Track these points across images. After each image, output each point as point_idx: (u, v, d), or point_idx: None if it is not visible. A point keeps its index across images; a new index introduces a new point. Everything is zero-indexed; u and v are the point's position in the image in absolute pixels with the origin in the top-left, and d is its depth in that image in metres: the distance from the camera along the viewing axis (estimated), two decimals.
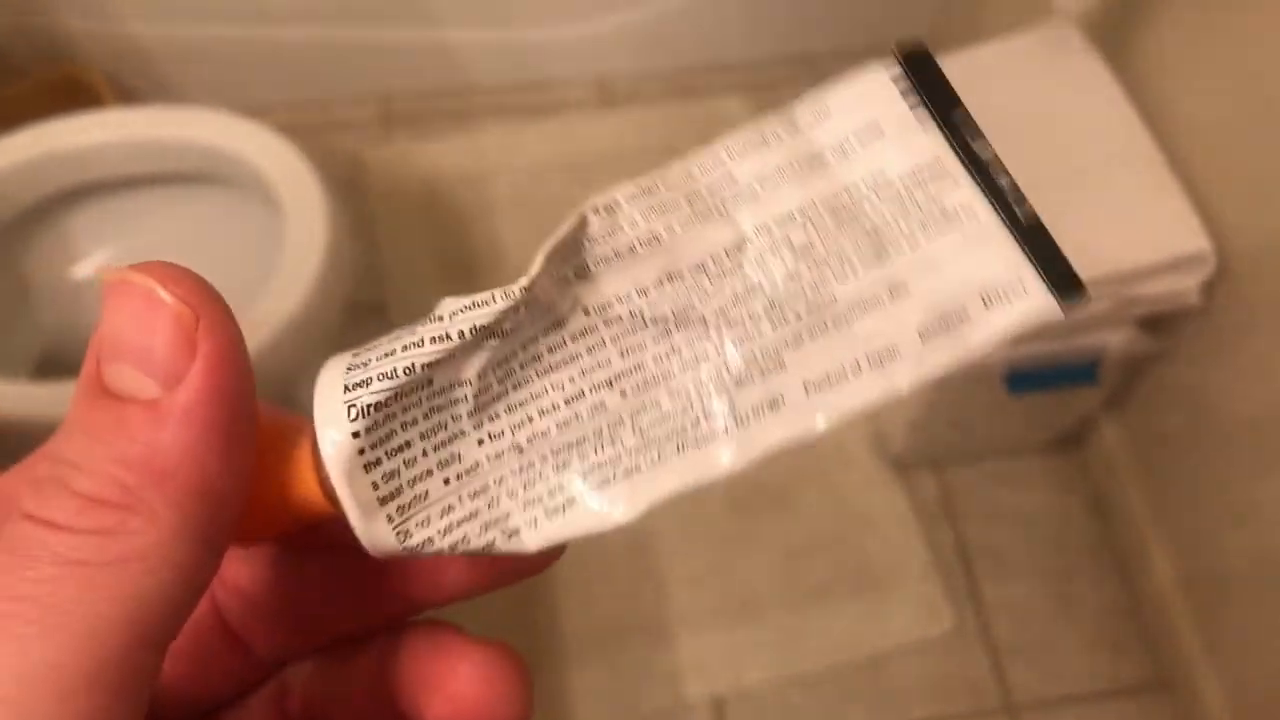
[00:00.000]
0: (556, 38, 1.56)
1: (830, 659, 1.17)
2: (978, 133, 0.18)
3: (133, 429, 0.14)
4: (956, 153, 0.18)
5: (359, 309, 1.13)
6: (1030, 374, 1.06)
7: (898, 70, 0.18)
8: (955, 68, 0.86)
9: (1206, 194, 0.98)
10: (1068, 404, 1.18)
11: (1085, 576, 1.23)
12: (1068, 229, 0.88)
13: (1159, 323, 1.05)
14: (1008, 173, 0.18)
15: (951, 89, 0.18)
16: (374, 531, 0.16)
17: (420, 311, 0.16)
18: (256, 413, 0.16)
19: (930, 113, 0.18)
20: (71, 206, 1.08)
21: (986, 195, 0.18)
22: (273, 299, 0.93)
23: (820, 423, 0.16)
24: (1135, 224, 0.96)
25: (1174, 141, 1.01)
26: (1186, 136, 1.00)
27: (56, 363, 1.07)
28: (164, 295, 0.15)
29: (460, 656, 0.18)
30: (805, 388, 0.16)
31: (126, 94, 1.46)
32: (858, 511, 1.25)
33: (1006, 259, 0.17)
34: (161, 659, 0.14)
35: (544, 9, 1.53)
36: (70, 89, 1.34)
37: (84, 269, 1.12)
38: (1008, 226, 0.17)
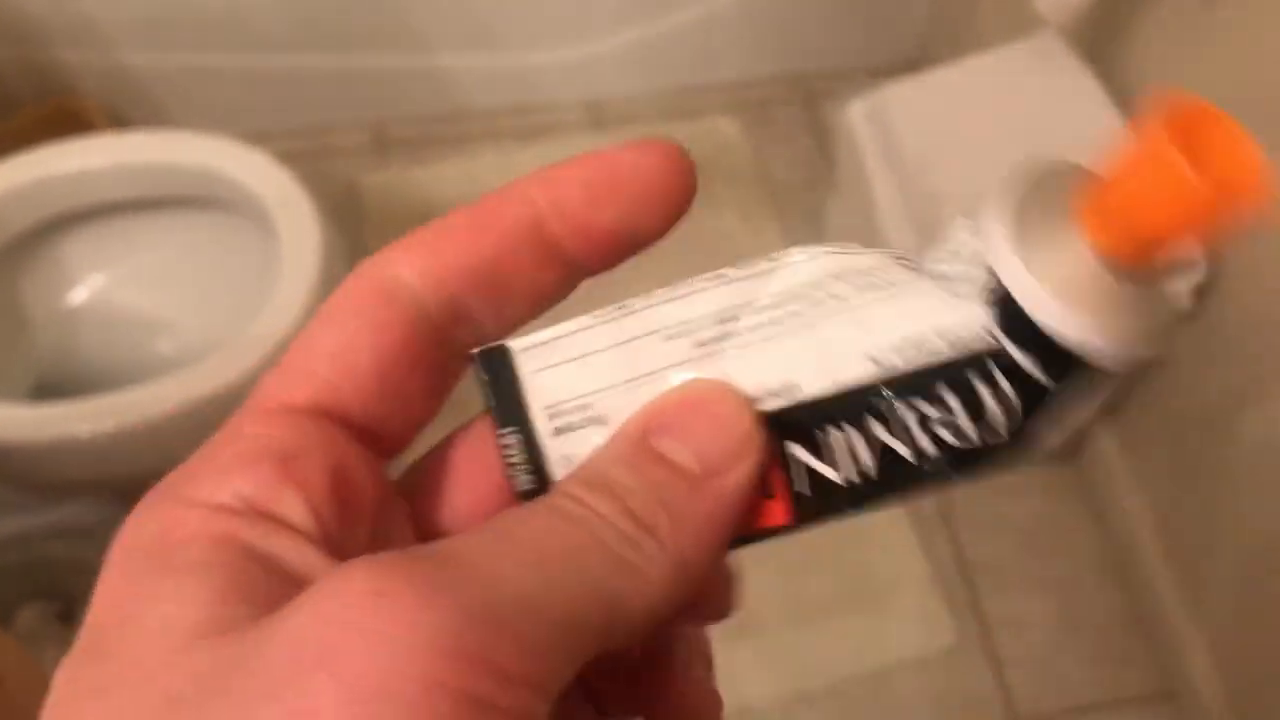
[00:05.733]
0: (548, 61, 1.57)
1: (832, 675, 1.17)
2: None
3: (674, 489, 0.18)
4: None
5: None
6: None
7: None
8: (945, 81, 0.87)
9: None
10: None
11: (1086, 587, 1.22)
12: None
13: None
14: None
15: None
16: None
17: None
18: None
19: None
20: (67, 232, 1.08)
21: None
22: (267, 322, 0.93)
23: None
24: None
25: None
26: None
27: (52, 387, 1.07)
28: (745, 412, 0.19)
29: None
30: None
31: (122, 124, 1.47)
32: (856, 526, 1.25)
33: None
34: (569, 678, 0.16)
35: (536, 33, 1.54)
36: (66, 119, 1.34)
37: (79, 294, 1.12)
38: None
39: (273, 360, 0.78)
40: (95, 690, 0.16)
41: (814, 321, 0.19)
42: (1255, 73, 0.92)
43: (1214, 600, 1.08)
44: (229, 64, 1.50)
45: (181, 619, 0.16)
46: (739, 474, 0.18)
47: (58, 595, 1.04)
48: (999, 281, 0.18)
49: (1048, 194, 0.18)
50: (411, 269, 0.19)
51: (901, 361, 0.18)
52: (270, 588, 0.16)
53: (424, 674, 0.14)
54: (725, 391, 0.19)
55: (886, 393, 0.18)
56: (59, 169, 1.04)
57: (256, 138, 1.06)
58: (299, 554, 0.17)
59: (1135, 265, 0.17)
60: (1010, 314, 0.18)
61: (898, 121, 1.12)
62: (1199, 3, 0.96)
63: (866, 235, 1.15)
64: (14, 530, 1.05)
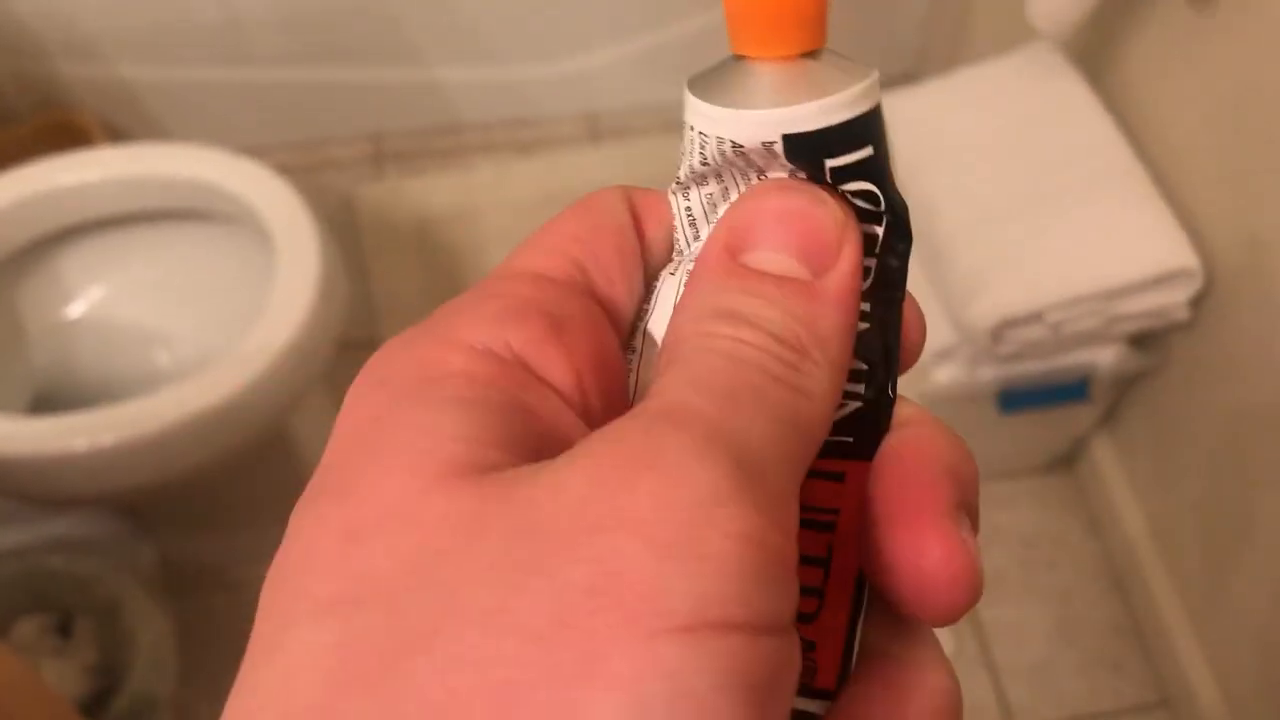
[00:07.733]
0: (544, 75, 1.58)
1: None
2: None
3: (794, 300, 0.17)
4: None
5: (350, 345, 1.13)
6: (1022, 393, 1.07)
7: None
8: (939, 91, 0.88)
9: (1192, 209, 0.99)
10: (1061, 424, 1.19)
11: (1083, 596, 1.22)
12: (1054, 247, 0.91)
13: (1149, 339, 1.06)
14: None
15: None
16: None
17: None
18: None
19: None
20: (64, 245, 1.09)
21: None
22: (265, 332, 0.93)
23: None
24: (1121, 241, 0.97)
25: (1158, 159, 1.02)
26: (1170, 153, 1.01)
27: (50, 400, 1.07)
28: (830, 200, 0.17)
29: (931, 527, 0.17)
30: None
31: (120, 138, 1.47)
32: None
33: None
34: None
35: (532, 46, 1.55)
36: (63, 133, 1.35)
37: (77, 307, 1.12)
38: None
39: (272, 373, 0.78)
40: (347, 533, 0.14)
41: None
42: (1247, 78, 0.92)
43: (1211, 609, 1.08)
44: (226, 78, 1.50)
45: (435, 454, 0.15)
46: (848, 259, 0.17)
47: (55, 608, 1.04)
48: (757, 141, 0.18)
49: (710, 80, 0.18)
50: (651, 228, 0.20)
51: None
52: (529, 440, 0.15)
53: (728, 530, 0.13)
54: (787, 185, 0.18)
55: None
56: (56, 183, 1.04)
57: (254, 151, 1.06)
58: (560, 415, 0.16)
59: (787, 46, 0.17)
60: (790, 146, 0.17)
61: (893, 131, 1.12)
62: (1190, 10, 0.96)
63: None
64: (12, 543, 1.05)
